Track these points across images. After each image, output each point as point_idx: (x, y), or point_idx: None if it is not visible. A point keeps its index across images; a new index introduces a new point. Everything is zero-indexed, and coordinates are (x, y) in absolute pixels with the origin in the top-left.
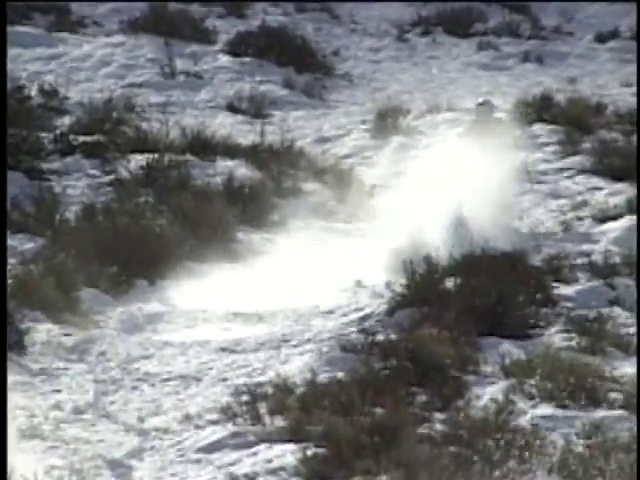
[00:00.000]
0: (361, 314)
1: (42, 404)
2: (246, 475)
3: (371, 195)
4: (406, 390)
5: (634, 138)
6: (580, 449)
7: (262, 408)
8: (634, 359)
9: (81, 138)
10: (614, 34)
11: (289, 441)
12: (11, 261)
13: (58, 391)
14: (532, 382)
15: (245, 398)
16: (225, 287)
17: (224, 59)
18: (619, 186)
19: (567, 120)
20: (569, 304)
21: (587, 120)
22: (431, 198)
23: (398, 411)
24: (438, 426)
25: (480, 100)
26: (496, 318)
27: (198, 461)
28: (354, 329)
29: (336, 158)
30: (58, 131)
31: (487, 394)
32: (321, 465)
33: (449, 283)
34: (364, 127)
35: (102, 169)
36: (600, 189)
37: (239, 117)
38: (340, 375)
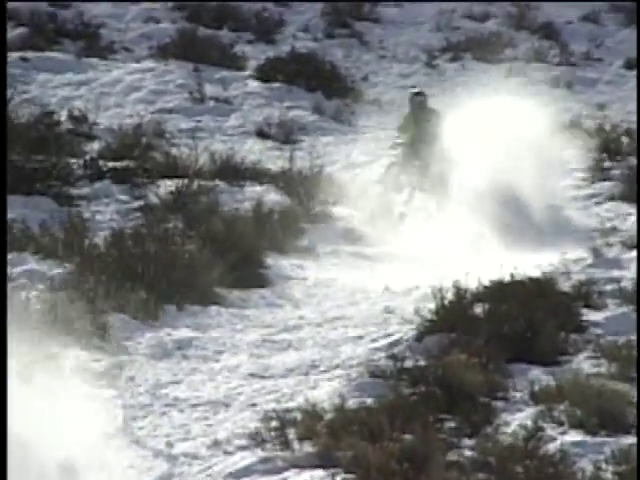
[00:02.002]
0: (390, 340)
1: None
2: None
3: (401, 220)
4: (435, 416)
5: None
6: (609, 476)
7: (291, 434)
8: None
9: (110, 164)
10: None
11: (318, 467)
12: (40, 286)
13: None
14: (561, 408)
15: (274, 424)
16: (254, 313)
17: (253, 85)
18: None
19: (596, 146)
20: (598, 330)
21: (616, 146)
22: (460, 222)
23: (427, 437)
24: (467, 452)
25: (415, 90)
26: (525, 344)
27: None
28: (383, 355)
29: (365, 184)
30: (87, 157)
31: (516, 420)
32: None
33: (478, 309)
34: (393, 153)
35: (131, 194)
36: (629, 215)
37: (268, 143)
38: (369, 401)
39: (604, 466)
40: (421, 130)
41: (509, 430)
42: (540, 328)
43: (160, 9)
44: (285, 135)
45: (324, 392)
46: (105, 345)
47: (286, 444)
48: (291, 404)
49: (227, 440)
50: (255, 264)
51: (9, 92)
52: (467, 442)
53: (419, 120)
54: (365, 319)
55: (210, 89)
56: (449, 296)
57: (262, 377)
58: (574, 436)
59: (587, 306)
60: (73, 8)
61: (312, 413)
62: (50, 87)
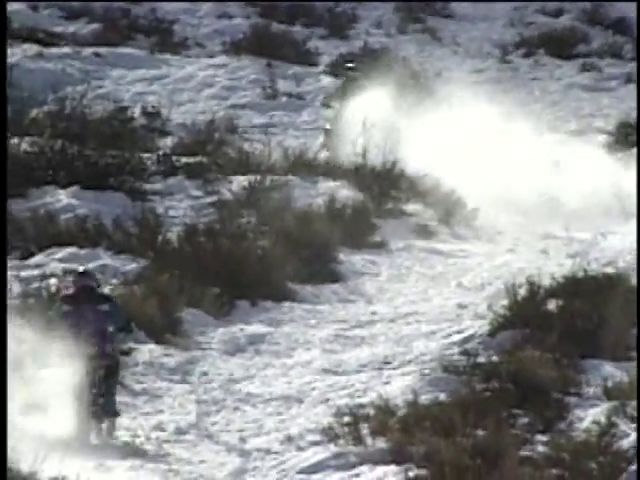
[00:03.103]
0: (463, 335)
1: (145, 424)
2: None
3: (474, 216)
4: (508, 412)
5: None
6: None
7: (364, 429)
8: None
9: (184, 159)
10: None
11: (391, 462)
12: (114, 281)
13: (160, 411)
14: (634, 404)
15: (347, 419)
16: (327, 308)
17: (326, 80)
18: None
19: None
20: None
21: None
22: (533, 218)
23: (500, 433)
24: (540, 448)
25: (349, 64)
26: (598, 340)
27: None
28: (456, 350)
29: (438, 179)
30: (161, 152)
31: (589, 416)
32: None
33: (551, 305)
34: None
35: (204, 190)
36: None
37: None
38: (442, 396)
39: None
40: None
41: (582, 426)
42: (613, 324)
43: (233, 5)
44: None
45: (397, 388)
46: (178, 340)
47: (359, 439)
48: (364, 399)
49: (300, 435)
50: (328, 260)
51: (83, 87)
52: (540, 438)
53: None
54: (438, 315)
55: (283, 85)
56: (522, 292)
57: (335, 373)
58: None
59: None
60: (146, 4)
61: (385, 409)
62: (124, 83)
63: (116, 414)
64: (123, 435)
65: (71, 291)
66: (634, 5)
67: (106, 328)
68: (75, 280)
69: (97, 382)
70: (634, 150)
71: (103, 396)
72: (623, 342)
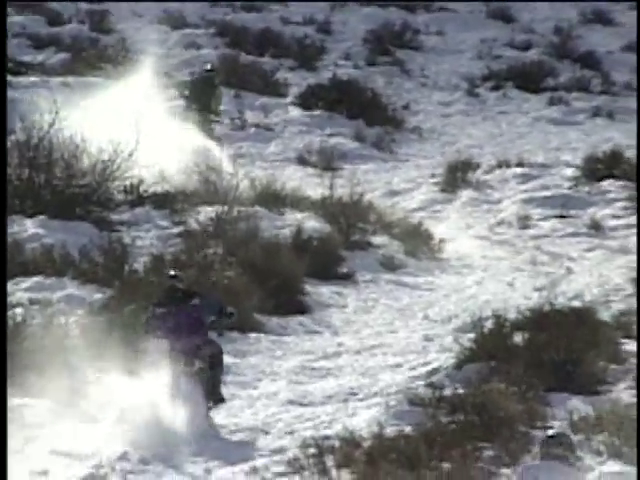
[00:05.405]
0: (429, 368)
1: (109, 454)
2: None
3: (440, 249)
4: (473, 445)
5: None
6: None
7: (329, 461)
8: None
9: (151, 189)
10: None
11: None
12: (79, 312)
13: (124, 441)
14: (600, 438)
15: (312, 451)
16: (293, 340)
17: (294, 112)
18: None
19: (637, 176)
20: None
21: None
22: (498, 251)
23: (465, 466)
24: None
25: (207, 67)
26: (564, 373)
27: None
28: (422, 383)
29: (405, 212)
30: (128, 182)
31: None
32: None
33: (517, 338)
34: (433, 181)
35: (171, 220)
36: None
37: (309, 170)
38: (407, 429)
39: None
40: (207, 100)
41: None
42: (579, 357)
43: (202, 35)
44: (325, 162)
45: (362, 420)
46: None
47: (324, 472)
48: (329, 431)
49: (265, 467)
50: (294, 291)
51: (51, 117)
52: (505, 471)
53: (206, 92)
54: (404, 347)
55: (251, 115)
56: (488, 325)
57: (301, 404)
58: (612, 466)
59: (627, 336)
60: (116, 34)
61: (350, 440)
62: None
63: (222, 400)
64: (87, 465)
65: (161, 295)
66: (602, 38)
67: (201, 319)
68: (164, 283)
69: (204, 371)
70: (603, 183)
71: (210, 384)
72: (589, 376)
